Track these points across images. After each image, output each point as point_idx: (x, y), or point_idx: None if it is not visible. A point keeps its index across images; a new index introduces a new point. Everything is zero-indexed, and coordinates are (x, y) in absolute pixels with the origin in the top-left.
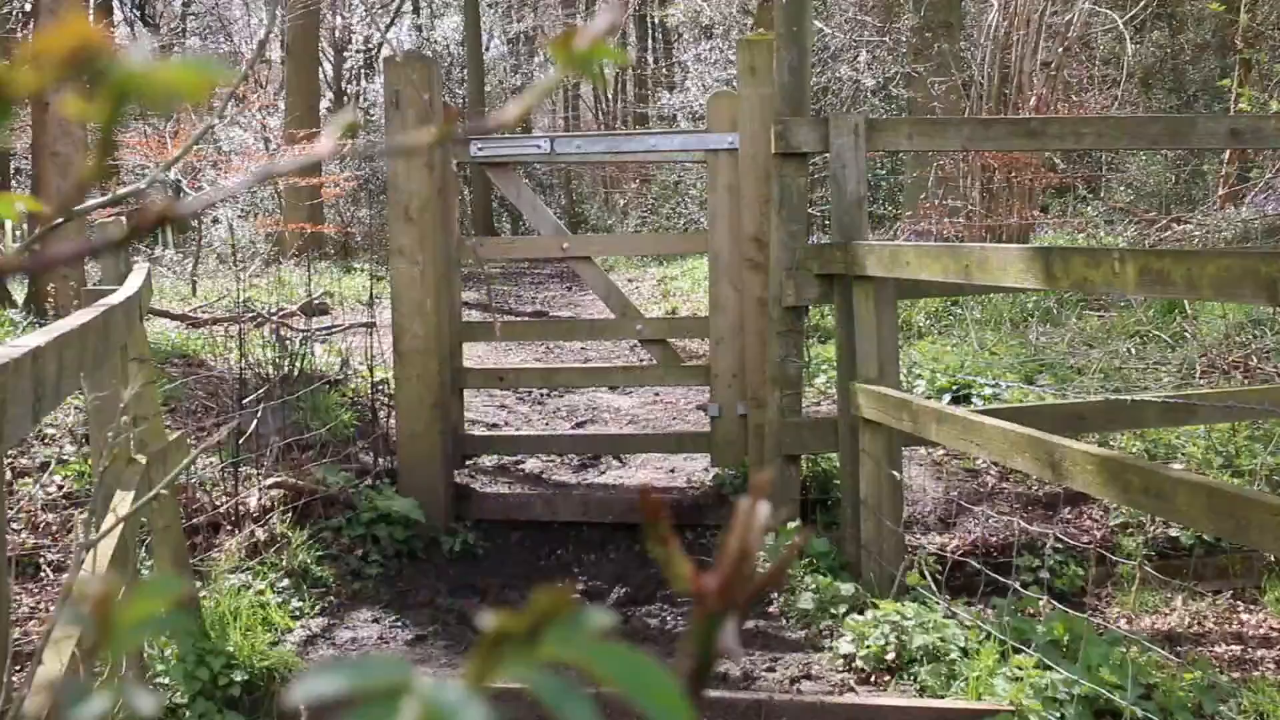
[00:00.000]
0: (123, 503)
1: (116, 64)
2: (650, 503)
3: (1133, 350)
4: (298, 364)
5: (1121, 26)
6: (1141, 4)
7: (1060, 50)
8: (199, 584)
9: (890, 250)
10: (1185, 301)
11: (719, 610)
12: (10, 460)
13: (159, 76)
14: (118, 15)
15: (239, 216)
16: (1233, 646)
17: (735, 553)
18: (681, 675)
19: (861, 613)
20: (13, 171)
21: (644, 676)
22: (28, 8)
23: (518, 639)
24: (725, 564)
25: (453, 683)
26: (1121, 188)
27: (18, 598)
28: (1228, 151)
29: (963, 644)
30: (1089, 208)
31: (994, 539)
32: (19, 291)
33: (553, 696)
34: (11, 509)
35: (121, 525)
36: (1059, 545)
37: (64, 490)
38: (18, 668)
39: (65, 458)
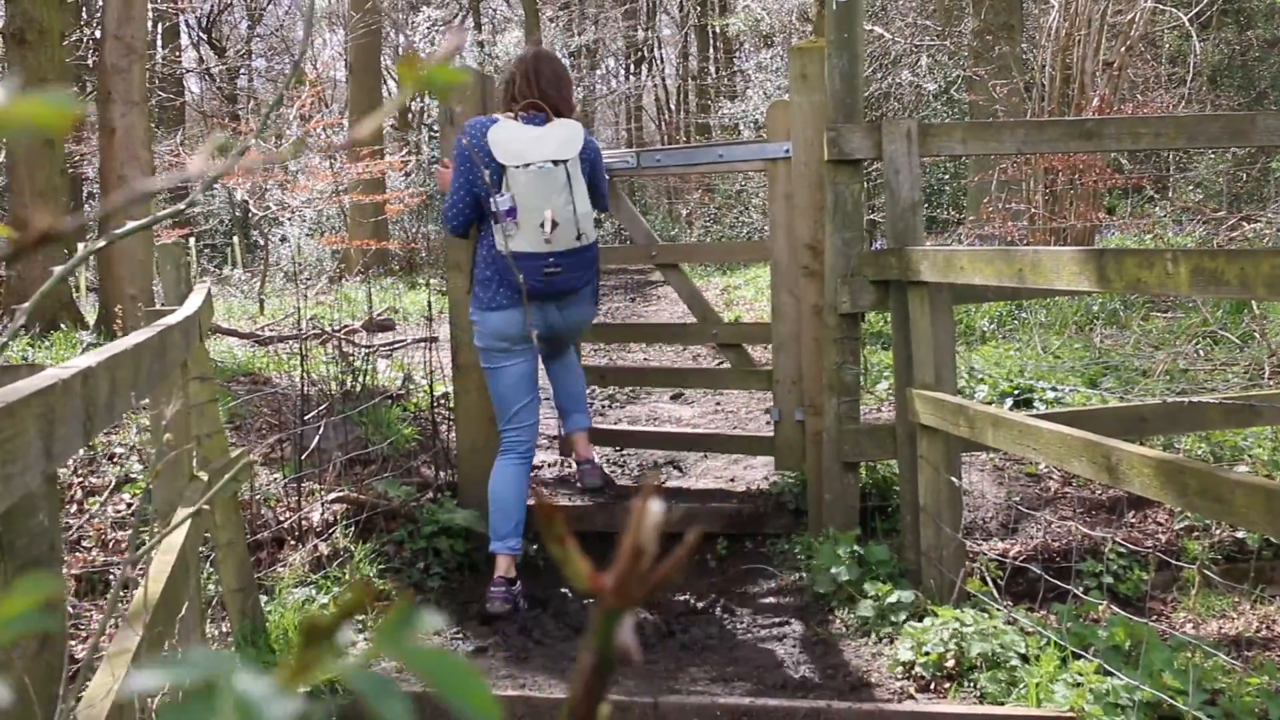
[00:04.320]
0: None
1: None
2: (544, 506)
3: (1199, 351)
4: (360, 379)
5: (1187, 24)
6: (1207, 0)
7: (1123, 50)
8: (264, 598)
9: (944, 255)
10: (1252, 301)
11: (616, 607)
12: (80, 479)
13: (16, 111)
14: (185, 39)
15: (306, 235)
16: None
17: (630, 551)
18: (584, 672)
19: (921, 619)
20: (85, 196)
21: (459, 677)
22: (98, 34)
23: (328, 636)
24: (620, 562)
25: (265, 681)
26: (1190, 187)
27: (88, 613)
28: None
29: (1023, 650)
30: (1156, 208)
31: (1056, 544)
32: (90, 314)
33: (371, 692)
34: (81, 526)
35: (183, 540)
36: (1121, 550)
37: (132, 508)
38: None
39: (133, 476)
